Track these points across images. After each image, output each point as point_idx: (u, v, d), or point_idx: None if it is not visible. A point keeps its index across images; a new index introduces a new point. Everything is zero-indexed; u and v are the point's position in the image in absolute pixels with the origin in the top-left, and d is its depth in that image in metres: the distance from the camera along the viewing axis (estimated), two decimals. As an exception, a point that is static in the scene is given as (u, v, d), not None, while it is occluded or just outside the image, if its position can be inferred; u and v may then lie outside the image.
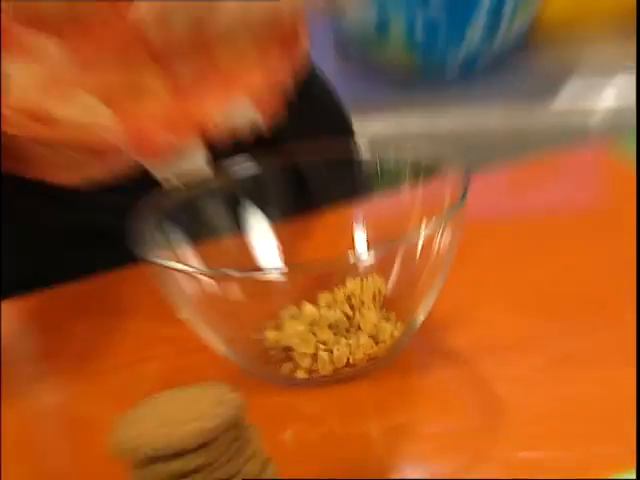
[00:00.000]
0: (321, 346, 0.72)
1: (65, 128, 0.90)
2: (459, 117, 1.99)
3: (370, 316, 0.73)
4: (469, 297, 0.80)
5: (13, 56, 1.07)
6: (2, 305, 0.93)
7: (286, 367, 0.72)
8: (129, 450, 0.56)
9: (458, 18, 1.90)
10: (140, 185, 0.86)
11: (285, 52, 1.06)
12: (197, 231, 0.81)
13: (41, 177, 1.02)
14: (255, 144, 0.96)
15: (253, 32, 0.94)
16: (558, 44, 2.17)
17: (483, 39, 1.94)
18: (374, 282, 0.74)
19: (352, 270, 0.76)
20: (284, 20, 1.02)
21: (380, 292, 0.74)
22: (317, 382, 0.72)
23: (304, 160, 0.86)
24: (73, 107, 0.90)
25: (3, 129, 0.89)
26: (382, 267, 0.74)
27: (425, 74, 2.08)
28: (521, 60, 2.16)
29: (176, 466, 0.55)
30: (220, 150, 0.94)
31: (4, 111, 0.88)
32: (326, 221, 0.92)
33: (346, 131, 1.21)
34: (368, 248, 0.82)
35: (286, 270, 0.79)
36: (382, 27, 1.92)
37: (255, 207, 0.84)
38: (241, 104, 0.99)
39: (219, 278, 0.71)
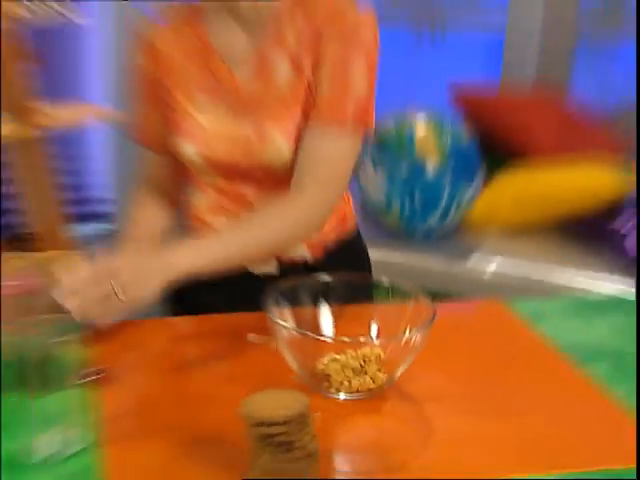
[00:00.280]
0: (346, 378, 1.16)
1: None
2: (421, 259, 2.81)
3: (372, 368, 1.17)
4: (426, 368, 1.20)
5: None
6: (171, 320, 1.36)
7: (327, 386, 1.17)
8: (249, 417, 0.94)
9: (427, 209, 2.80)
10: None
11: (334, 217, 1.53)
12: (295, 302, 1.26)
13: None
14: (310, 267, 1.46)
15: None
16: (475, 229, 3.02)
17: (438, 222, 2.88)
18: (377, 351, 1.19)
19: (366, 344, 1.21)
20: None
21: (379, 357, 1.18)
22: (342, 397, 1.17)
23: (346, 280, 1.32)
24: None
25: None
26: (383, 346, 1.20)
27: (406, 234, 2.98)
28: (455, 234, 2.97)
29: (271, 430, 0.92)
30: (290, 268, 1.44)
31: None
32: (352, 312, 1.31)
33: (367, 269, 1.64)
34: (378, 334, 1.25)
35: (333, 338, 1.24)
36: (388, 207, 2.83)
37: (323, 297, 1.30)
38: (300, 248, 1.50)
39: (301, 334, 1.16)
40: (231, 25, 1.41)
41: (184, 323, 1.40)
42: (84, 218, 4.23)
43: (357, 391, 1.17)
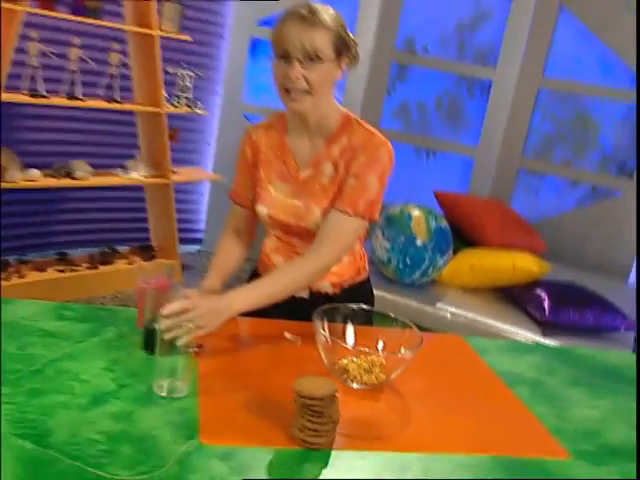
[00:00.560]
0: (359, 374, 1.18)
1: None
2: (406, 300, 2.82)
3: (376, 370, 1.19)
4: (411, 375, 1.20)
5: None
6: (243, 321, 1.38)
7: (345, 378, 1.18)
8: (298, 391, 0.97)
9: (414, 268, 2.82)
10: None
11: (353, 269, 1.53)
12: (331, 320, 1.27)
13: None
14: (330, 298, 1.46)
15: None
16: (443, 285, 3.01)
17: (420, 277, 2.87)
18: (380, 360, 1.20)
19: (374, 354, 1.22)
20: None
21: (382, 363, 1.20)
22: (355, 386, 1.19)
23: (365, 310, 1.34)
24: None
25: None
26: (385, 357, 1.21)
27: (399, 282, 2.91)
28: (430, 286, 2.95)
29: (311, 402, 0.96)
30: (316, 296, 1.45)
31: None
32: (367, 332, 1.32)
33: (371, 303, 1.56)
34: (382, 348, 1.26)
35: (353, 346, 1.25)
36: (388, 262, 2.84)
37: (349, 319, 1.31)
38: (325, 284, 1.49)
39: (332, 341, 1.18)
40: (303, 137, 1.43)
41: (249, 322, 1.41)
42: (188, 240, 4.28)
43: (365, 384, 1.18)
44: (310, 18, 1.27)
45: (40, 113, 3.42)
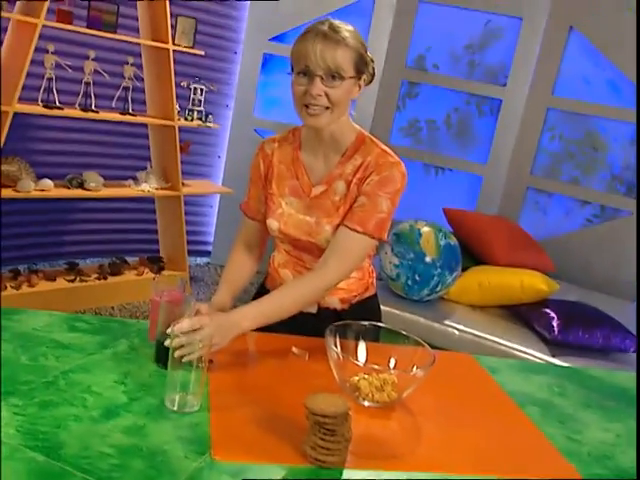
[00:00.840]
0: (370, 392, 1.16)
1: None
2: (414, 316, 2.81)
3: (388, 388, 1.17)
4: (422, 394, 1.19)
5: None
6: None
7: (357, 395, 1.16)
8: (310, 408, 0.96)
9: (422, 284, 2.80)
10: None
11: (362, 285, 1.52)
12: (343, 337, 1.25)
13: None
14: (338, 313, 1.46)
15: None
16: (452, 303, 2.96)
17: (428, 294, 2.84)
18: (392, 378, 1.18)
19: (386, 371, 1.21)
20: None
21: (394, 382, 1.18)
22: (366, 404, 1.17)
23: (377, 327, 1.33)
24: None
25: None
26: (397, 375, 1.19)
27: (408, 299, 2.89)
28: (438, 303, 2.92)
29: (323, 420, 0.94)
30: (325, 311, 1.44)
31: None
32: (379, 349, 1.31)
33: (378, 319, 1.53)
34: (394, 366, 1.25)
35: (365, 364, 1.24)
36: (397, 279, 2.82)
37: (361, 336, 1.30)
38: (333, 300, 1.48)
39: (344, 357, 1.17)
40: (317, 153, 1.42)
41: (259, 337, 1.40)
42: (197, 253, 4.28)
43: (377, 402, 1.17)
44: (332, 35, 1.26)
45: (54, 124, 3.44)
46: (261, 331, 1.32)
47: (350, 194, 1.38)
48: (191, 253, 4.00)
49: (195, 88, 3.54)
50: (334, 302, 1.48)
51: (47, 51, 2.95)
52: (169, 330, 1.14)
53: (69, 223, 3.73)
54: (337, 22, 1.30)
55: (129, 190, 3.35)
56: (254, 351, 1.39)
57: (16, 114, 2.84)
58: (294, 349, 1.34)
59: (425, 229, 2.82)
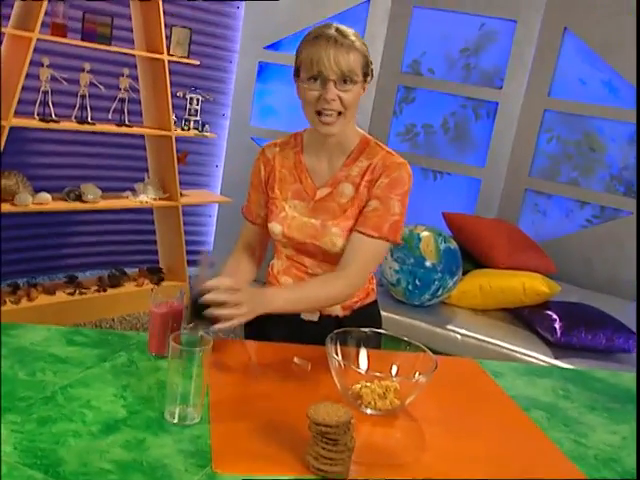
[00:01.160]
0: (373, 400, 1.14)
1: None
2: (415, 322, 2.79)
3: (390, 395, 1.16)
4: (425, 400, 1.18)
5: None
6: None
7: (359, 403, 1.15)
8: (312, 418, 0.95)
9: (423, 289, 2.78)
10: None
11: (363, 291, 1.51)
12: (344, 344, 1.24)
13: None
14: (339, 320, 1.45)
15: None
16: (453, 307, 2.95)
17: (429, 298, 2.82)
18: (395, 385, 1.17)
19: (388, 379, 1.19)
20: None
21: (396, 389, 1.17)
22: (369, 412, 1.16)
23: (378, 334, 1.32)
24: None
25: None
26: (399, 382, 1.17)
27: (409, 304, 2.88)
28: (439, 308, 2.90)
29: (326, 430, 0.93)
30: (326, 319, 1.43)
31: None
32: (381, 356, 1.30)
33: (379, 325, 1.53)
34: (396, 373, 1.23)
35: (367, 371, 1.23)
36: (397, 284, 2.83)
37: (363, 343, 1.28)
38: (336, 308, 1.47)
39: (345, 365, 1.16)
40: (320, 156, 1.42)
41: (258, 346, 1.39)
42: (196, 263, 4.27)
43: (379, 410, 1.15)
44: (343, 40, 1.28)
45: (51, 137, 3.44)
46: (260, 339, 1.30)
47: (359, 196, 1.38)
48: (191, 263, 3.98)
49: (191, 98, 3.54)
50: (336, 309, 1.47)
51: (42, 64, 2.95)
52: (213, 282, 1.16)
53: (67, 236, 3.72)
54: (342, 26, 1.31)
55: (127, 201, 3.34)
56: (254, 361, 1.38)
57: (12, 128, 2.84)
58: (296, 359, 1.33)
59: (425, 234, 2.81)
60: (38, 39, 2.78)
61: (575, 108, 3.70)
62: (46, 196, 3.00)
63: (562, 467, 1.10)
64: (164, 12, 3.22)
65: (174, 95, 3.39)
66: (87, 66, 3.09)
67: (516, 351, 2.64)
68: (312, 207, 1.42)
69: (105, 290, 3.33)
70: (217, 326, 1.16)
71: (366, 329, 1.30)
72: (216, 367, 1.20)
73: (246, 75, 4.01)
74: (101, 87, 3.15)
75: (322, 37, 1.28)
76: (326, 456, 0.95)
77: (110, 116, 3.24)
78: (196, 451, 0.97)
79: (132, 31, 3.35)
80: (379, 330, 1.33)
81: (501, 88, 3.81)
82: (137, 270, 3.65)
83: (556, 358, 2.59)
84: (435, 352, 1.25)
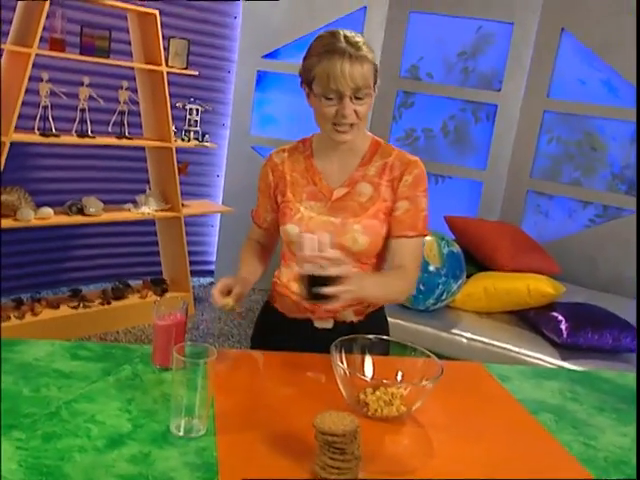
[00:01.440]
0: (379, 407, 1.14)
1: None
2: (421, 326, 2.78)
3: (397, 402, 1.15)
4: (432, 406, 1.17)
5: None
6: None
7: (365, 411, 1.14)
8: (319, 428, 0.94)
9: (427, 294, 2.75)
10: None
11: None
12: (349, 351, 1.22)
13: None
14: (352, 326, 1.45)
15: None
16: (458, 310, 2.93)
17: (434, 303, 2.80)
18: (401, 391, 1.17)
19: (394, 385, 1.19)
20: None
21: (402, 395, 1.16)
22: (374, 418, 1.14)
23: (384, 340, 1.31)
24: None
25: None
26: (405, 388, 1.17)
27: (414, 309, 2.86)
28: (444, 312, 2.88)
29: (332, 439, 0.92)
30: (340, 325, 1.43)
31: None
32: (386, 362, 1.30)
33: (386, 331, 1.54)
34: (402, 379, 1.22)
35: (373, 378, 1.22)
36: None
37: (368, 350, 1.27)
38: (350, 314, 1.48)
39: (351, 373, 1.15)
40: (332, 159, 1.44)
41: (264, 356, 1.39)
42: (199, 273, 4.27)
43: (386, 416, 1.15)
44: (356, 54, 1.29)
45: (51, 152, 3.45)
46: (273, 349, 1.30)
47: (381, 195, 1.41)
48: (194, 274, 3.99)
49: (191, 109, 3.55)
50: (349, 315, 1.47)
51: (41, 79, 2.96)
52: (333, 253, 1.20)
53: (70, 249, 3.73)
54: (350, 34, 1.32)
55: (129, 214, 3.34)
56: (259, 371, 1.37)
57: (13, 143, 2.85)
58: (309, 374, 1.32)
59: (427, 238, 2.80)
60: (37, 54, 2.79)
61: (575, 108, 3.70)
62: (48, 210, 3.01)
63: (572, 470, 1.09)
64: (162, 24, 3.24)
65: (173, 106, 3.40)
66: (86, 80, 3.10)
67: (523, 353, 2.63)
68: (330, 207, 1.42)
69: (109, 303, 3.33)
70: (330, 305, 1.22)
71: (371, 336, 1.29)
72: (221, 378, 1.19)
73: (245, 84, 4.02)
74: (100, 100, 3.16)
75: (336, 52, 1.28)
76: (333, 466, 0.94)
77: (110, 129, 3.26)
78: (202, 463, 0.96)
79: (130, 44, 3.37)
80: (384, 337, 1.32)
81: (500, 90, 3.81)
82: (141, 282, 3.65)
83: (563, 359, 2.57)
84: (441, 356, 1.25)
